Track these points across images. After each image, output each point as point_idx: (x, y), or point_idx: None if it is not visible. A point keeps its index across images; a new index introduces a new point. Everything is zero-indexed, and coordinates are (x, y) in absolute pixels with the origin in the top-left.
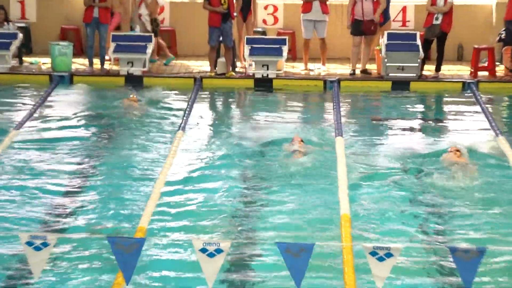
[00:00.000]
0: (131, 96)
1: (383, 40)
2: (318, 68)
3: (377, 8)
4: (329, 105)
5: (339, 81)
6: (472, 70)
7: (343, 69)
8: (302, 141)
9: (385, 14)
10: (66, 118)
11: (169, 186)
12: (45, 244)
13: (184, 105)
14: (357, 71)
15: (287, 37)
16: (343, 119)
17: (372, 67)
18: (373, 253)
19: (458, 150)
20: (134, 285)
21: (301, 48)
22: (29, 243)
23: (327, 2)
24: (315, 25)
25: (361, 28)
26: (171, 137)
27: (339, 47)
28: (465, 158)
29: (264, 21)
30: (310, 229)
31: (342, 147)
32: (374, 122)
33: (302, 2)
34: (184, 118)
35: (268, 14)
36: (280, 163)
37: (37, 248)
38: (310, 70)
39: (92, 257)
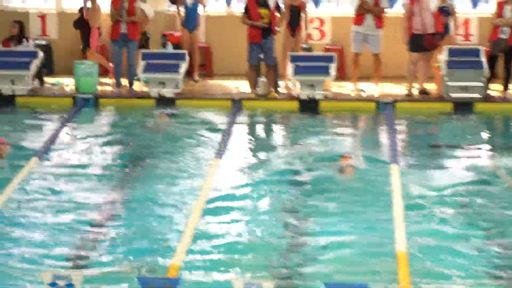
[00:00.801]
0: (161, 113)
1: (443, 57)
2: (371, 88)
3: (438, 18)
4: (382, 130)
5: (394, 102)
6: None
7: (399, 89)
8: (350, 157)
9: (445, 27)
10: (91, 145)
11: (204, 219)
12: (70, 286)
13: (221, 129)
14: (415, 91)
15: (335, 54)
16: (398, 145)
17: (431, 87)
18: None
19: None
20: None
21: (351, 65)
22: (53, 285)
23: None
24: (366, 39)
25: (422, 43)
26: (207, 165)
27: (393, 64)
28: None
29: (310, 36)
30: (361, 267)
31: (398, 176)
32: (434, 148)
33: (352, 14)
34: (221, 144)
35: (314, 28)
36: (327, 190)
37: None
38: (361, 90)
39: None
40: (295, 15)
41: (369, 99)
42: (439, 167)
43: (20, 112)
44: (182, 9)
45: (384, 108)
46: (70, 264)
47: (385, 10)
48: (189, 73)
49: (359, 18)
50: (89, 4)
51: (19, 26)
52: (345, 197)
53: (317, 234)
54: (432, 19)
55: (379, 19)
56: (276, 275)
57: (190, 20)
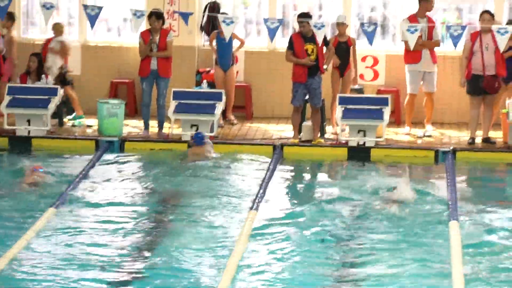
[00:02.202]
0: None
1: (511, 102)
2: (428, 136)
3: (500, 61)
4: (441, 181)
5: (454, 151)
6: None
7: (460, 137)
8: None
9: (511, 68)
10: (116, 194)
11: (239, 277)
12: None
13: (259, 178)
14: (478, 139)
15: (389, 96)
16: (459, 200)
17: (497, 135)
18: None
19: None
20: None
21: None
22: None
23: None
24: (423, 78)
25: (481, 86)
26: (242, 218)
27: (454, 109)
28: None
29: (361, 76)
30: None
31: (458, 233)
32: (499, 203)
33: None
34: (259, 194)
35: (366, 67)
36: (378, 252)
37: None
38: (418, 137)
39: None
40: (343, 52)
41: (427, 148)
42: (505, 227)
43: (36, 156)
44: (214, 45)
45: (443, 158)
46: None
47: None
48: (223, 116)
49: (415, 55)
50: (4, 32)
51: (38, 60)
52: (400, 255)
53: None
54: (494, 60)
55: (434, 53)
56: None
57: (224, 57)
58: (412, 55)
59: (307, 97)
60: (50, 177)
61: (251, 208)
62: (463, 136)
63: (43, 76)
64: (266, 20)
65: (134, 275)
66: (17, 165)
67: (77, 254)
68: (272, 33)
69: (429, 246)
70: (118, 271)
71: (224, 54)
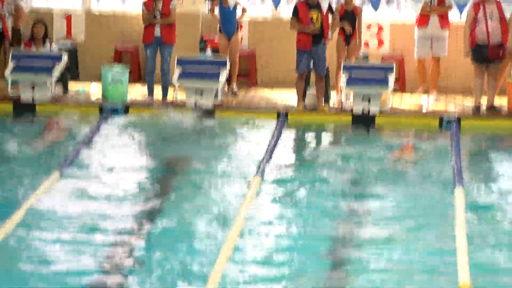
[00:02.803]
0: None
1: None
2: (434, 103)
3: (506, 30)
4: (446, 149)
5: (459, 119)
6: None
7: (465, 105)
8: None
9: None
10: (119, 159)
11: (242, 243)
12: None
13: (264, 145)
14: (483, 107)
15: (394, 64)
16: (463, 166)
17: (502, 103)
18: None
19: None
20: None
21: (412, 78)
22: None
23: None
24: (431, 42)
25: (485, 54)
26: (247, 184)
27: (459, 76)
28: None
29: (366, 44)
30: None
31: (462, 200)
32: (503, 171)
33: (414, 20)
34: (263, 161)
35: (371, 35)
36: (383, 213)
37: None
38: (422, 105)
39: None
40: (349, 20)
41: (432, 115)
42: (508, 192)
43: (40, 122)
44: (216, 13)
45: (448, 125)
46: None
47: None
48: (227, 84)
49: (423, 19)
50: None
51: (44, 28)
52: (404, 222)
53: (370, 261)
54: (499, 29)
55: (445, 19)
56: None
57: (228, 25)
58: (420, 19)
59: (311, 64)
60: (57, 139)
61: (255, 174)
62: (468, 104)
63: (47, 42)
64: None
65: (138, 240)
66: (21, 131)
67: (80, 218)
68: (276, 0)
69: (433, 211)
70: (122, 236)
71: (228, 21)
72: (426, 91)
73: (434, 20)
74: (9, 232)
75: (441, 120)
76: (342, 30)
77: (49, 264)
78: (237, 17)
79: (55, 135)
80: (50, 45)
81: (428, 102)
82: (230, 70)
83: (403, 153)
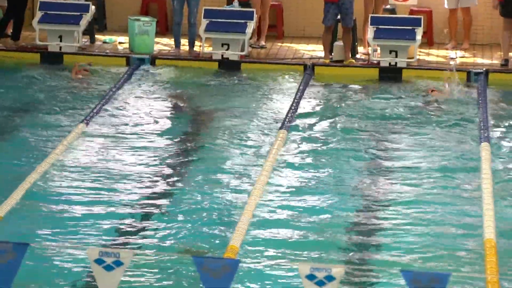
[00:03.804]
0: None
1: None
2: (462, 56)
3: None
4: (473, 103)
5: (487, 72)
6: None
7: (492, 59)
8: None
9: None
10: (145, 110)
11: (267, 197)
12: (118, 263)
13: (290, 98)
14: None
15: (422, 17)
16: (490, 121)
17: None
18: None
19: None
20: None
21: (439, 31)
22: (99, 261)
23: None
24: None
25: None
26: (272, 137)
27: (487, 29)
28: None
29: None
30: (442, 254)
31: (489, 155)
32: None
33: None
34: (289, 114)
35: None
36: (408, 170)
37: (109, 268)
38: (450, 58)
39: (173, 280)
40: None
41: (459, 69)
42: None
43: (68, 72)
44: None
45: (475, 79)
46: (116, 242)
47: None
48: (256, 38)
49: None
50: None
51: None
52: (430, 177)
53: (396, 215)
54: None
55: None
56: (347, 260)
57: None
58: None
59: (338, 17)
60: (83, 88)
61: (281, 128)
62: (496, 57)
63: None
64: None
65: (164, 191)
66: (47, 81)
67: (104, 170)
68: None
69: (460, 166)
70: (148, 187)
71: None
72: (455, 46)
73: None
74: (34, 182)
75: (468, 73)
76: None
77: (71, 214)
78: None
79: (82, 79)
80: None
81: (456, 55)
82: (260, 25)
83: (433, 94)
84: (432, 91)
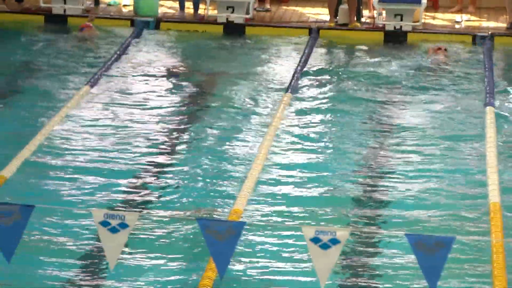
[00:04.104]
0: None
1: None
2: (467, 20)
3: None
4: (478, 66)
5: (492, 36)
6: None
7: (498, 22)
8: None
9: None
10: (150, 73)
11: (271, 161)
12: (123, 225)
13: (295, 61)
14: None
15: None
16: (496, 85)
17: None
18: None
19: None
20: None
21: None
22: (104, 223)
23: None
24: None
25: None
26: (277, 100)
27: None
28: None
29: None
30: (447, 218)
31: (493, 119)
32: None
33: None
34: (294, 77)
35: None
36: (414, 133)
37: (114, 230)
38: (456, 22)
39: (177, 242)
40: None
41: (465, 32)
42: None
43: (72, 34)
44: None
45: (481, 43)
46: (121, 205)
47: None
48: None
49: None
50: None
51: None
52: (435, 139)
53: (401, 178)
54: None
55: None
56: (351, 223)
57: None
58: None
59: None
60: (87, 51)
61: (286, 91)
62: (502, 21)
63: None
64: None
65: (169, 154)
66: (52, 43)
67: (110, 132)
68: None
69: (465, 128)
70: (153, 150)
71: None
72: (461, 10)
73: None
74: (39, 143)
75: (474, 37)
76: None
77: (78, 174)
78: None
79: (89, 35)
80: None
81: (462, 18)
82: None
83: (437, 53)
84: (438, 49)
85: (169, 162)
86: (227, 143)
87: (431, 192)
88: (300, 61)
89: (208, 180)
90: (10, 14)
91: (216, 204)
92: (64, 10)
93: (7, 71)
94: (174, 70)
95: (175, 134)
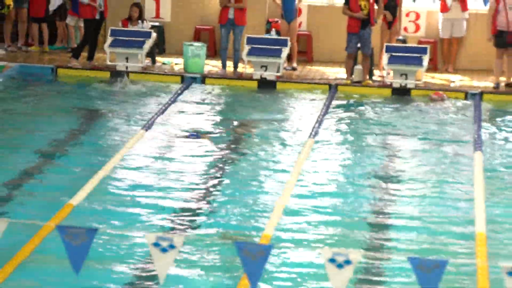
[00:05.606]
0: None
1: None
2: (461, 79)
3: None
4: (469, 118)
5: (481, 93)
6: None
7: (488, 82)
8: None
9: None
10: (196, 120)
11: (297, 194)
12: (171, 246)
13: (317, 111)
14: (502, 84)
15: (428, 46)
16: (483, 133)
17: None
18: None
19: None
20: None
21: (444, 58)
22: (156, 244)
23: None
24: (453, 25)
25: (505, 40)
26: (301, 145)
27: (483, 58)
28: None
29: (405, 29)
30: (440, 245)
31: (481, 162)
32: None
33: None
34: (316, 125)
35: (409, 21)
36: (414, 171)
37: (164, 250)
38: (451, 81)
39: (216, 261)
40: (391, 9)
41: (459, 90)
42: None
43: (132, 89)
44: (279, 2)
45: (472, 99)
46: (170, 228)
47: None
48: (288, 61)
49: (445, 5)
50: None
51: (139, 10)
52: (429, 181)
53: (401, 214)
54: None
55: (463, 2)
56: (361, 248)
57: (287, 12)
58: (442, 6)
59: (359, 45)
60: (143, 104)
61: (309, 136)
62: (489, 81)
63: (141, 21)
64: None
65: (211, 188)
66: (115, 94)
67: (161, 169)
68: None
69: (454, 174)
70: (197, 185)
71: (288, 8)
72: (446, 70)
73: (454, 5)
74: (102, 178)
75: (466, 94)
76: (385, 16)
77: (133, 205)
78: (295, 4)
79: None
80: (145, 22)
81: (456, 78)
82: (290, 49)
83: (436, 98)
84: (434, 94)
85: (211, 196)
86: (259, 179)
87: (427, 225)
88: (321, 112)
89: (243, 209)
90: (82, 70)
91: (249, 229)
92: (126, 68)
93: (77, 116)
94: (216, 118)
95: (215, 171)
